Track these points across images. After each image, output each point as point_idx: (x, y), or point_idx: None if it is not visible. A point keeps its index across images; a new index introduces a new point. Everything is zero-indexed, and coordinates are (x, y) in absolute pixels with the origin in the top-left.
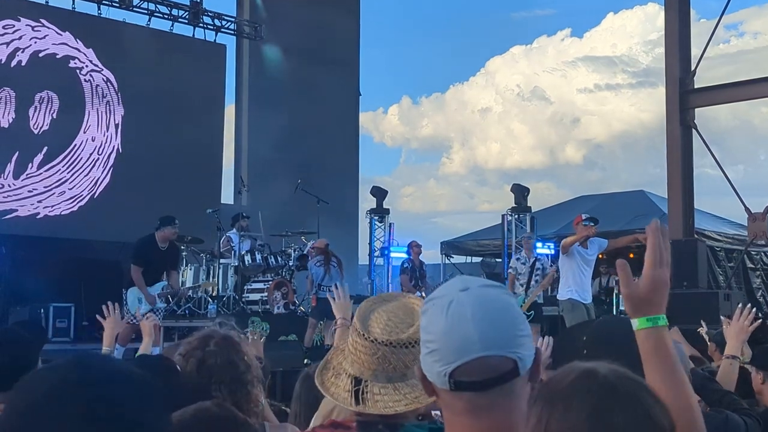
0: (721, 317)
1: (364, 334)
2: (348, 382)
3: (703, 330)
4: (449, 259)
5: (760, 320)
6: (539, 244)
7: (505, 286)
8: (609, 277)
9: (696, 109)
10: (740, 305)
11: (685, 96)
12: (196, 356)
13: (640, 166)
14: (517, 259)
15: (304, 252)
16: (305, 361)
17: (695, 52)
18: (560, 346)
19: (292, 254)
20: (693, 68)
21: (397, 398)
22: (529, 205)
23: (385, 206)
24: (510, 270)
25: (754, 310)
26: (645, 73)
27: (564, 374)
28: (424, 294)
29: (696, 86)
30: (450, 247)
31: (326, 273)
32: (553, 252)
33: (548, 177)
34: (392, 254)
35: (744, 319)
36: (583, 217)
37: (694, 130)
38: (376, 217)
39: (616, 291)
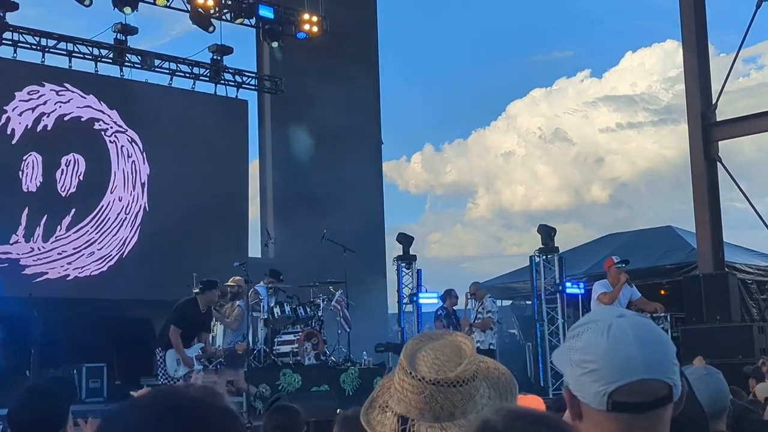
0: (763, 357)
1: (411, 373)
2: (394, 421)
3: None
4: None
5: None
6: (569, 284)
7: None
8: (641, 315)
9: (720, 143)
10: None
11: (708, 129)
12: None
13: (667, 202)
14: (470, 310)
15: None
16: (338, 411)
17: (715, 87)
18: None
19: (321, 304)
20: (714, 102)
21: None
22: (556, 245)
23: (411, 252)
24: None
25: None
26: (666, 110)
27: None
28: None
29: (718, 120)
30: None
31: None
32: (583, 292)
33: (575, 218)
34: (421, 300)
35: None
36: (615, 260)
37: (719, 163)
38: (404, 264)
39: None
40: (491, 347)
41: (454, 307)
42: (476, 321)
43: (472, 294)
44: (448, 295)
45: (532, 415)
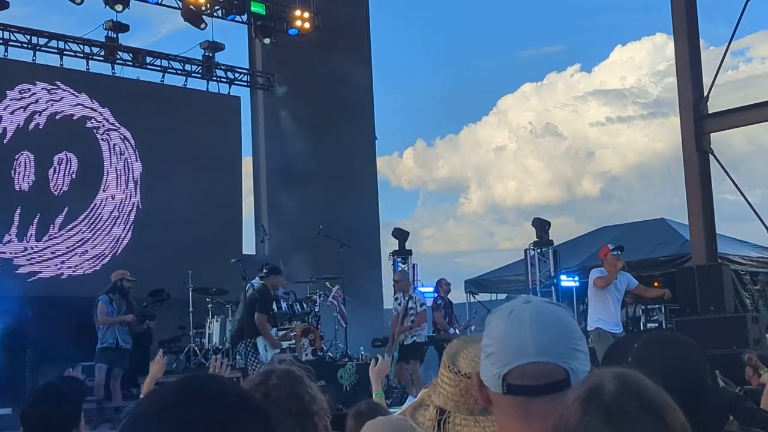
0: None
1: (449, 366)
2: (433, 412)
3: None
4: (474, 297)
5: None
6: (563, 277)
7: (564, 306)
8: (636, 307)
9: (711, 136)
10: None
11: (700, 122)
12: (260, 390)
13: (658, 195)
14: (395, 299)
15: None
16: (339, 406)
17: (706, 79)
18: (609, 354)
19: (317, 300)
20: (706, 94)
21: (477, 430)
22: (551, 238)
23: (407, 247)
24: (393, 312)
25: None
26: (656, 104)
27: (578, 385)
28: (458, 332)
29: (710, 112)
30: (474, 285)
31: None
32: (578, 284)
33: (567, 212)
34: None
35: None
36: (611, 247)
37: (711, 156)
38: (399, 259)
39: (643, 320)
40: (426, 339)
41: (449, 296)
42: (410, 319)
43: (397, 281)
44: (439, 284)
45: (642, 385)
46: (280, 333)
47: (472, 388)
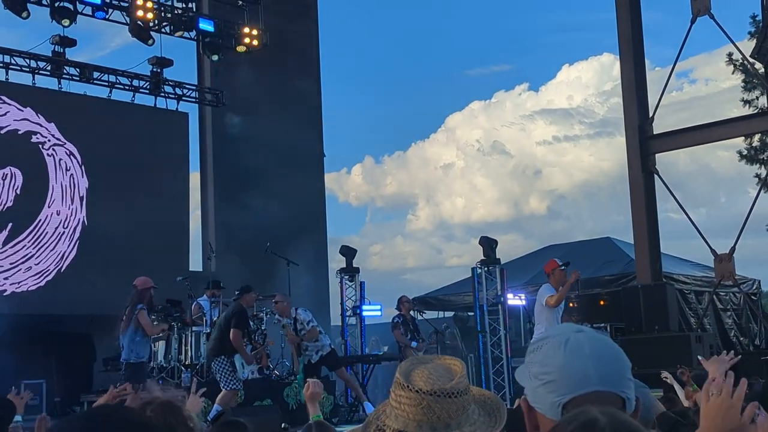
0: (699, 357)
1: (407, 386)
2: None
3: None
4: (421, 315)
5: (739, 356)
6: (510, 295)
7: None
8: (582, 324)
9: (657, 156)
10: (724, 353)
11: (645, 142)
12: None
13: (604, 213)
14: (278, 320)
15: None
16: (282, 425)
17: (651, 100)
18: None
19: (264, 318)
20: (651, 115)
21: None
22: (498, 257)
23: (354, 265)
24: (283, 334)
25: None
26: (602, 124)
27: (571, 418)
28: (421, 344)
29: (655, 133)
30: (421, 302)
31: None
32: (525, 303)
33: (514, 229)
34: (365, 312)
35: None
36: (559, 262)
37: (656, 176)
38: (347, 276)
39: None
40: (331, 347)
41: (411, 313)
42: (303, 335)
43: (278, 302)
44: (401, 302)
45: (630, 422)
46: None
47: (434, 405)
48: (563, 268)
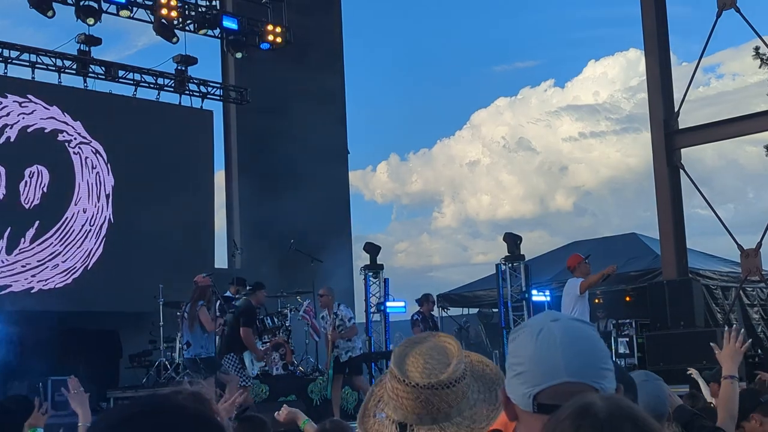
0: (711, 344)
1: (404, 380)
2: (393, 429)
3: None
4: (446, 312)
5: (750, 341)
6: (535, 291)
7: (590, 323)
8: (607, 321)
9: (682, 151)
10: (726, 329)
11: (670, 137)
12: None
13: (630, 209)
14: (322, 317)
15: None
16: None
17: (677, 95)
18: None
19: (288, 314)
20: (676, 110)
21: None
22: (522, 253)
23: (378, 262)
24: (323, 330)
25: (742, 330)
26: (628, 119)
27: (568, 404)
28: None
29: (680, 128)
30: (446, 299)
31: (180, 330)
32: (549, 299)
33: (540, 225)
34: (389, 309)
35: (734, 341)
36: (582, 255)
37: (681, 171)
38: (371, 273)
39: (614, 335)
40: (361, 351)
41: (431, 312)
42: (341, 331)
43: (321, 295)
44: (426, 300)
45: (632, 407)
46: (264, 346)
47: (433, 398)
48: (587, 261)
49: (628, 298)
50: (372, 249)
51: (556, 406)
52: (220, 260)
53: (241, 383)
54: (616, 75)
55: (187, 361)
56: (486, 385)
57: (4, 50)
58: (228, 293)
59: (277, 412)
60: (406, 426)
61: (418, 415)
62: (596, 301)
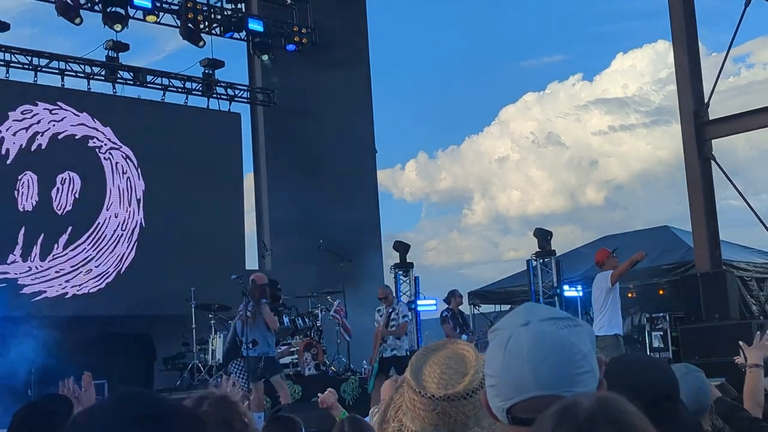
0: (740, 342)
1: (420, 392)
2: None
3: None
4: (477, 309)
5: None
6: (566, 287)
7: (567, 318)
8: (640, 315)
9: (713, 142)
10: (758, 333)
11: (700, 128)
12: None
13: (663, 202)
14: (377, 311)
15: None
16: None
17: (707, 86)
18: None
19: (319, 314)
20: (706, 101)
21: None
22: (553, 248)
23: (408, 260)
24: (375, 324)
25: None
26: (658, 112)
27: (557, 403)
28: (470, 339)
29: (711, 118)
30: (477, 296)
31: (243, 327)
32: (581, 294)
33: (572, 221)
34: (420, 307)
35: (763, 338)
36: (609, 249)
37: (713, 162)
38: (401, 272)
39: (647, 328)
40: (408, 353)
41: (460, 307)
42: (391, 327)
43: (382, 298)
44: (453, 296)
45: (622, 409)
46: (283, 348)
47: (450, 409)
48: (615, 255)
49: (661, 292)
50: (401, 247)
51: (530, 419)
52: (251, 262)
53: (244, 389)
54: (644, 67)
55: (250, 359)
56: None
57: (34, 58)
58: None
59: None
60: None
61: (435, 426)
62: (629, 295)
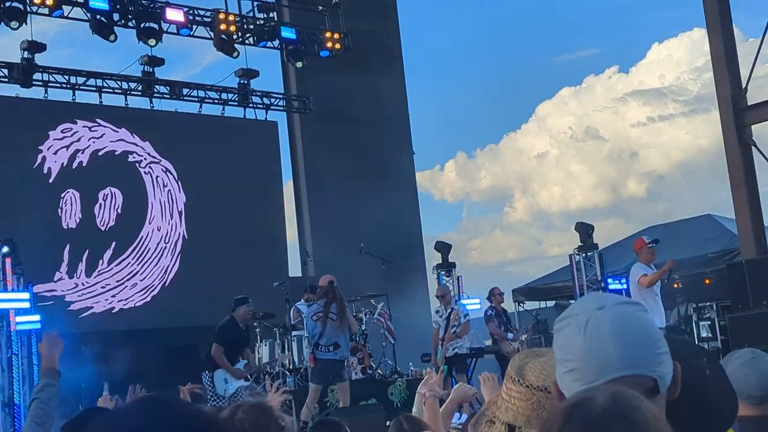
0: None
1: (518, 380)
2: (503, 429)
3: None
4: (522, 306)
5: None
6: (610, 280)
7: (638, 303)
8: (687, 305)
9: (755, 128)
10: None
11: (739, 114)
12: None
13: (706, 191)
14: (436, 312)
15: (374, 315)
16: (387, 423)
17: (745, 72)
18: None
19: (363, 318)
20: (744, 86)
21: None
22: (595, 242)
23: (450, 260)
24: (434, 324)
25: None
26: (696, 100)
27: (569, 398)
28: (518, 336)
29: (749, 104)
30: (521, 293)
31: (324, 329)
32: (625, 287)
33: (614, 214)
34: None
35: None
36: (646, 239)
37: (753, 148)
38: (443, 272)
39: (695, 318)
40: (468, 350)
41: (502, 305)
42: (453, 329)
43: (440, 296)
44: (492, 294)
45: (635, 405)
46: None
47: (545, 401)
48: (651, 245)
49: (707, 281)
50: (443, 247)
51: None
52: (294, 269)
53: (211, 403)
54: (681, 56)
55: (333, 362)
56: None
57: (71, 77)
58: (302, 301)
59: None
60: (514, 428)
61: (527, 417)
62: (675, 285)
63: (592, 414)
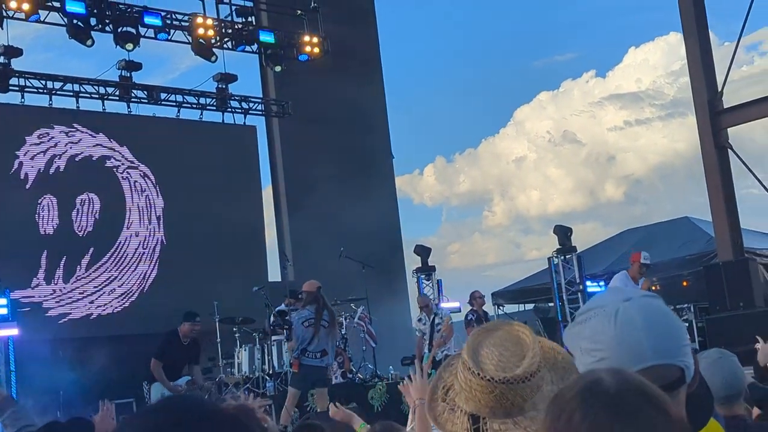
0: (757, 337)
1: (478, 374)
2: (465, 420)
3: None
4: (501, 309)
5: None
6: (589, 283)
7: (659, 297)
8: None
9: (731, 131)
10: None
11: (715, 117)
12: None
13: (683, 195)
14: (419, 320)
15: (354, 319)
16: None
17: (720, 77)
18: None
19: (344, 322)
20: (720, 89)
21: None
22: (574, 245)
23: (430, 263)
24: (417, 333)
25: None
26: (673, 104)
27: (574, 383)
28: None
29: (725, 107)
30: (501, 296)
31: (314, 336)
32: (604, 290)
33: (592, 217)
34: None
35: None
36: (645, 259)
37: (729, 150)
38: (423, 276)
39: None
40: (455, 352)
41: (483, 308)
42: (441, 335)
43: (423, 307)
44: (473, 297)
45: (640, 379)
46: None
47: (508, 392)
48: (644, 265)
49: (685, 283)
50: (422, 251)
51: None
52: (274, 274)
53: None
54: (657, 60)
55: (318, 369)
56: (559, 374)
57: (48, 82)
58: (282, 306)
59: (332, 409)
60: (478, 418)
61: (491, 408)
62: (653, 288)
63: (611, 391)
